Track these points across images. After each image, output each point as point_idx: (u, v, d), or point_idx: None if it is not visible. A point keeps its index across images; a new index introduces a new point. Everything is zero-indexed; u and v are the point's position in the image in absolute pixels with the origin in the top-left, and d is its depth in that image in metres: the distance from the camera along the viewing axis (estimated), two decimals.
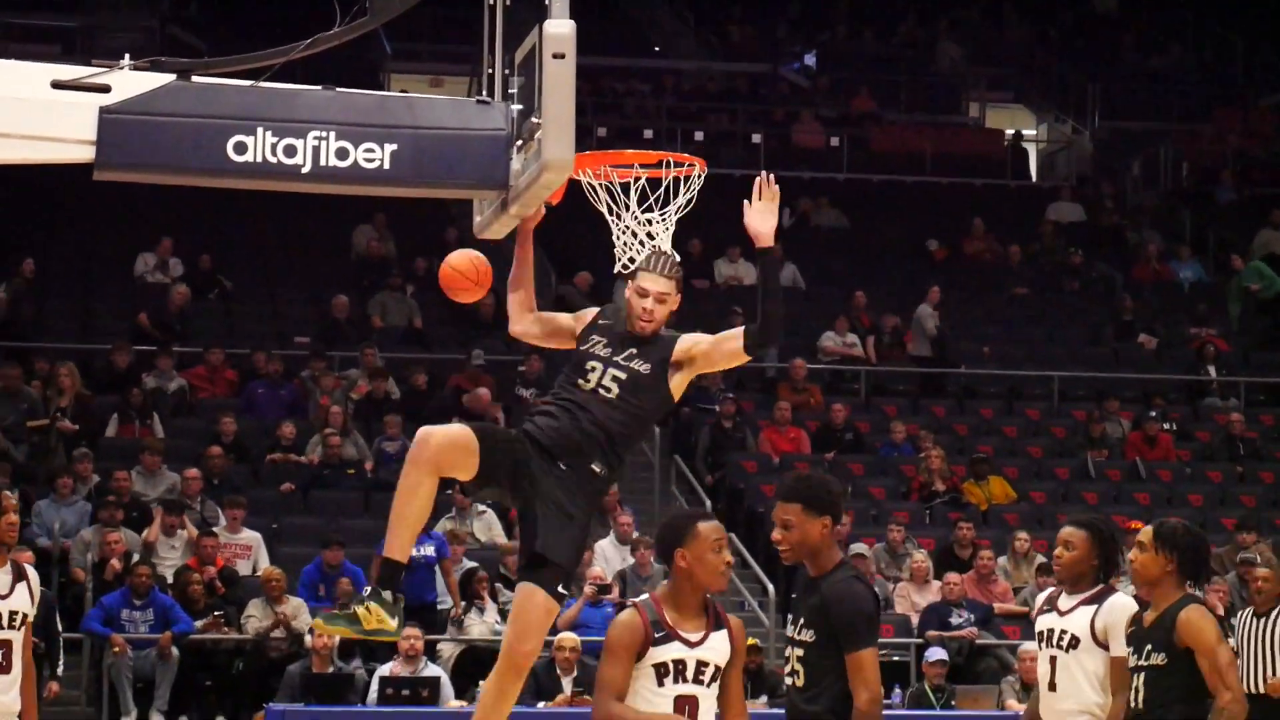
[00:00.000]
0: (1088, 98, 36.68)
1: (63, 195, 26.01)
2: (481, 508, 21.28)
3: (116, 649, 17.87)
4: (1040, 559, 21.03)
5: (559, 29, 7.60)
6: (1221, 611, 20.30)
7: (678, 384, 8.10)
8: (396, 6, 8.11)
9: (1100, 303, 29.68)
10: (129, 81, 7.77)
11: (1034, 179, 36.18)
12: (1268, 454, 25.81)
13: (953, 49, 37.19)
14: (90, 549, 19.43)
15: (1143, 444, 25.47)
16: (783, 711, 7.52)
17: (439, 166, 8.05)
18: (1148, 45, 38.64)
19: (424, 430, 7.81)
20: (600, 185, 8.57)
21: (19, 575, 8.78)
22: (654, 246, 8.50)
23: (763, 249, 7.88)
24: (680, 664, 7.09)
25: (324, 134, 7.85)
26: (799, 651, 7.38)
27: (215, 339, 24.62)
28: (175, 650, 18.04)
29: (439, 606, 19.40)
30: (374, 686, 17.26)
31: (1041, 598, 8.74)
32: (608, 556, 20.50)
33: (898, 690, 18.28)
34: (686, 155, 8.69)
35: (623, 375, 7.99)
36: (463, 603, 19.01)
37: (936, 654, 18.05)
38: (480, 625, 18.84)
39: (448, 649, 18.71)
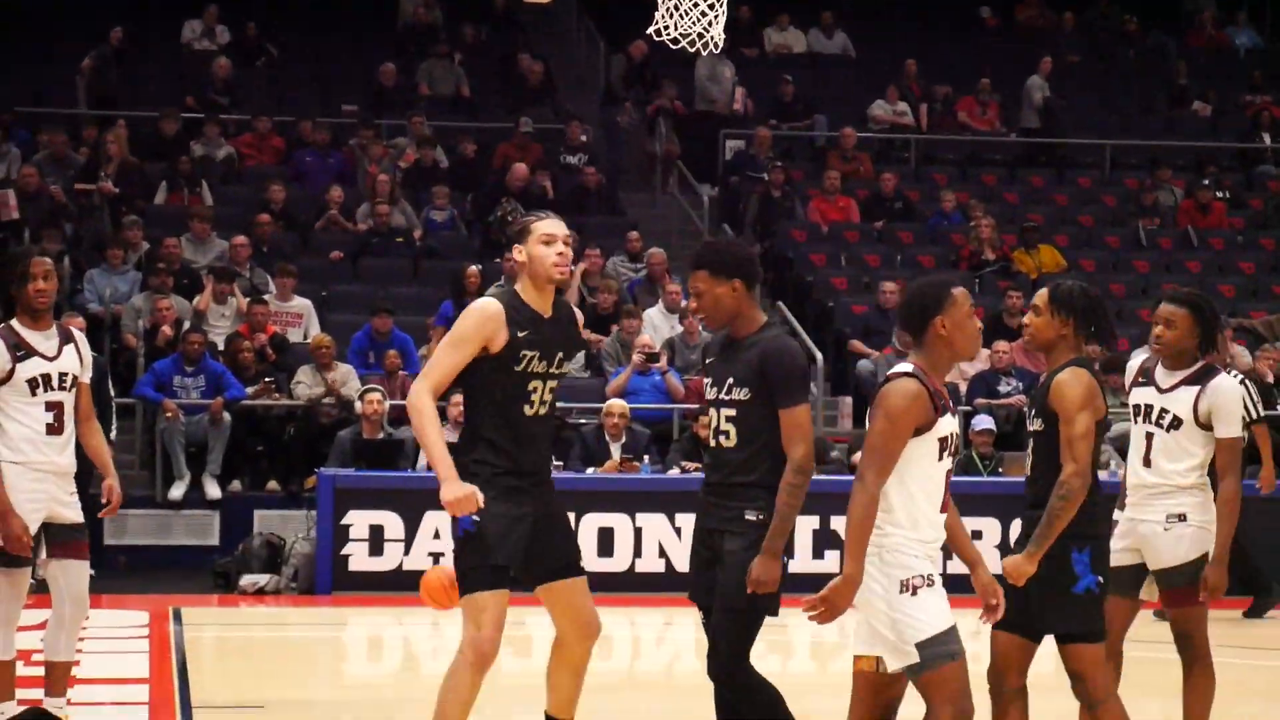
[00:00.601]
0: None
1: None
2: None
3: (169, 414, 18.03)
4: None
5: None
6: (1271, 379, 20.32)
7: None
8: None
9: (1154, 70, 29.34)
10: None
11: None
12: None
13: None
14: (141, 315, 19.55)
15: (1195, 211, 25.33)
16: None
17: None
18: None
19: (477, 640, 7.50)
20: None
21: (66, 338, 8.85)
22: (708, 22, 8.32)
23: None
24: (954, 438, 6.88)
25: None
26: (730, 411, 7.32)
27: (262, 107, 24.53)
28: (227, 416, 18.20)
29: None
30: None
31: (1134, 366, 8.57)
32: (656, 325, 20.54)
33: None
34: None
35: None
36: None
37: (984, 422, 18.09)
38: None
39: None
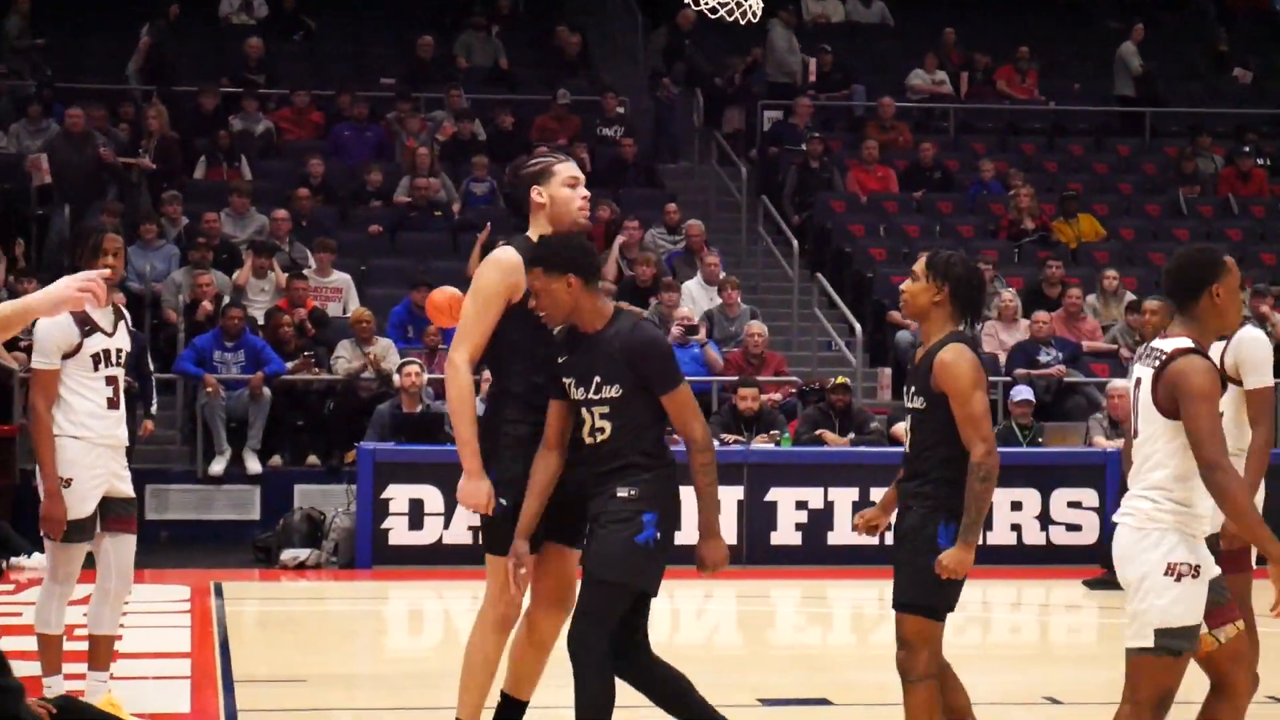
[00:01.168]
0: None
1: None
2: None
3: (209, 389, 18.08)
4: (1130, 296, 20.94)
5: None
6: None
7: None
8: None
9: (1194, 35, 29.17)
10: None
11: None
12: None
13: None
14: (181, 291, 19.60)
15: (1235, 179, 25.21)
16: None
17: None
18: None
19: (499, 601, 7.49)
20: None
21: (119, 315, 8.99)
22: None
23: None
24: None
25: None
26: (603, 409, 7.22)
27: (300, 81, 24.55)
28: (267, 390, 18.25)
29: None
30: None
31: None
32: (695, 297, 20.53)
33: None
34: None
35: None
36: None
37: (1023, 392, 18.04)
38: None
39: None
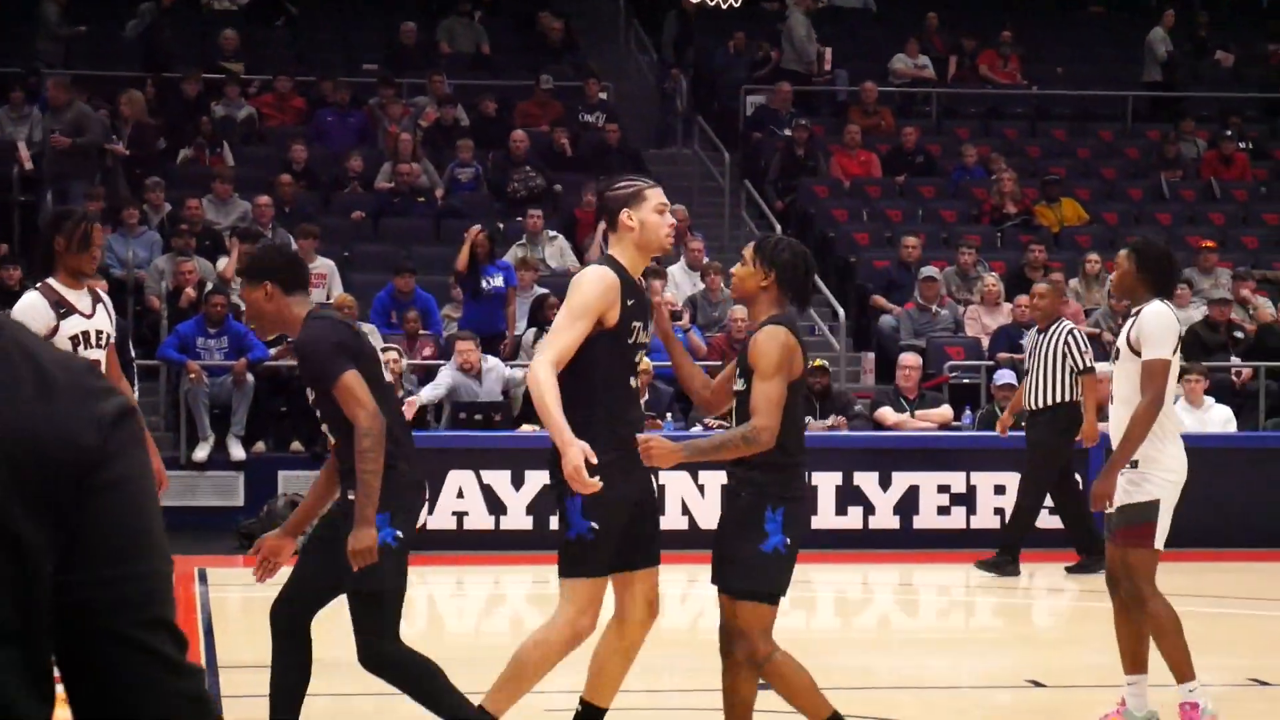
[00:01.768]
0: None
1: None
2: (553, 233, 21.33)
3: (193, 376, 18.07)
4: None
5: None
6: None
7: None
8: None
9: (1176, 20, 29.19)
10: None
11: None
12: None
13: None
14: (164, 277, 19.58)
15: (1218, 163, 25.25)
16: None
17: None
18: None
19: (576, 625, 7.38)
20: None
21: (96, 298, 8.99)
22: None
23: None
24: None
25: None
26: (318, 413, 7.40)
27: (282, 67, 24.53)
28: (250, 377, 18.24)
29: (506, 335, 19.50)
30: (445, 410, 17.44)
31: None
32: (678, 282, 20.55)
33: (968, 412, 18.38)
34: None
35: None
36: (533, 328, 19.11)
37: (1005, 376, 18.04)
38: None
39: (519, 374, 18.85)
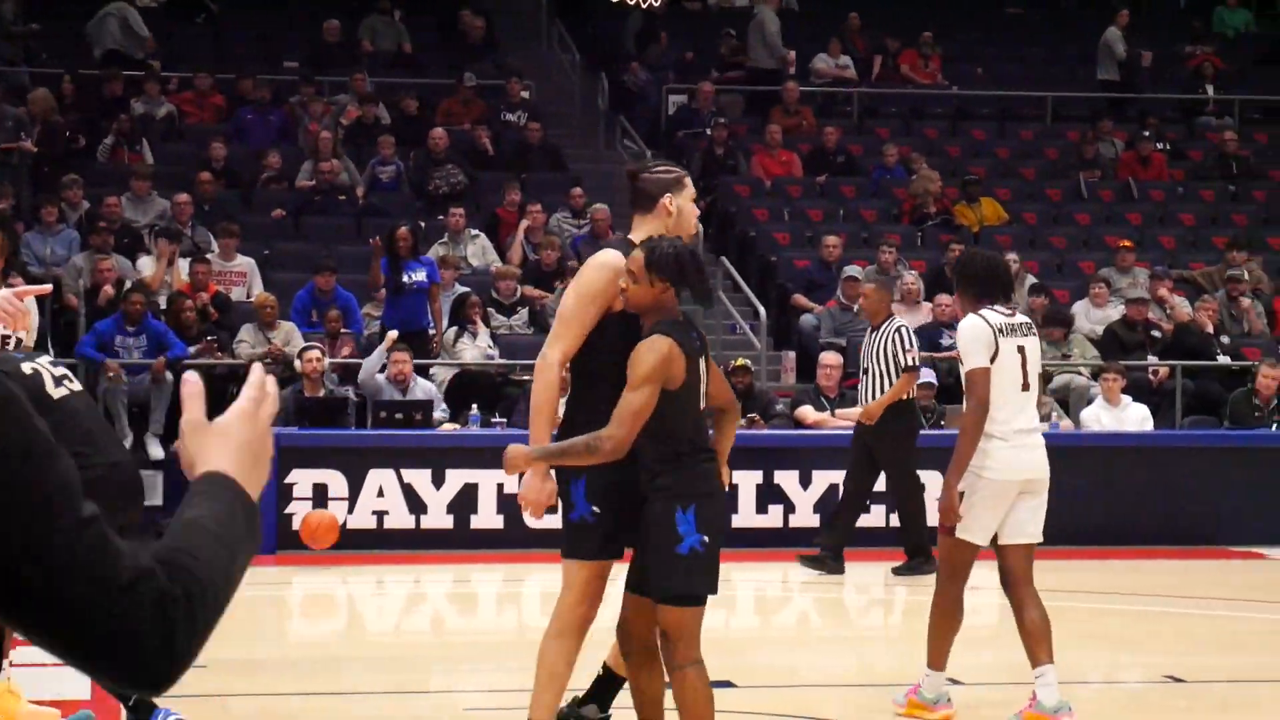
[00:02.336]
0: None
1: None
2: (475, 232, 21.29)
3: (111, 374, 17.96)
4: (1031, 280, 21.11)
5: None
6: (1211, 329, 20.46)
7: None
8: None
9: (1096, 21, 29.38)
10: None
11: None
12: (1260, 172, 25.76)
13: None
14: (82, 275, 19.45)
15: (1136, 164, 25.42)
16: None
17: None
18: None
19: (571, 611, 7.38)
20: None
21: None
22: None
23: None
24: None
25: None
26: None
27: (203, 64, 24.40)
28: (169, 375, 18.13)
29: (430, 331, 19.42)
30: (367, 410, 17.40)
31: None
32: None
33: None
34: None
35: None
36: (454, 327, 19.08)
37: (925, 375, 18.12)
38: (472, 350, 18.92)
39: (440, 373, 18.82)
